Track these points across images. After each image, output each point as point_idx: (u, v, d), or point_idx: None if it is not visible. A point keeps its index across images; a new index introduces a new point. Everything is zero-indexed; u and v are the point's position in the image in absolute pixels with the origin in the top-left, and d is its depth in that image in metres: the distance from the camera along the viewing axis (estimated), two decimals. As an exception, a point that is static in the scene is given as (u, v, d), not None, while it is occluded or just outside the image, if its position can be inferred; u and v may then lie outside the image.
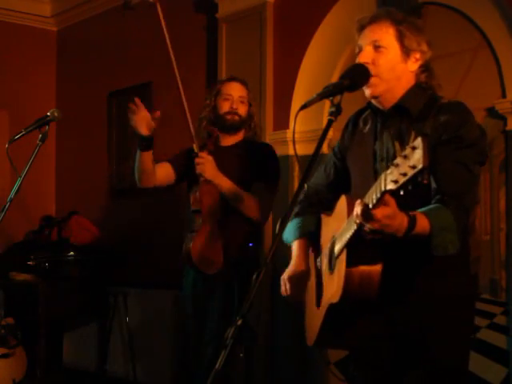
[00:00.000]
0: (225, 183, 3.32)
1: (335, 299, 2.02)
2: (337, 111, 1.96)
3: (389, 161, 2.14)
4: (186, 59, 5.19)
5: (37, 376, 4.78)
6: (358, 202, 1.80)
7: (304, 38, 4.37)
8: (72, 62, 6.21)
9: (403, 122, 2.16)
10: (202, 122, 3.64)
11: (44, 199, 6.18)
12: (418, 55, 2.18)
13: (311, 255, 2.39)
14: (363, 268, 1.97)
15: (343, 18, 4.22)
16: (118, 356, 5.21)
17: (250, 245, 3.36)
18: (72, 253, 4.96)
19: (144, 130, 3.32)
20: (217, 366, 1.68)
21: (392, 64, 2.15)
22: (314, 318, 2.25)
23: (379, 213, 1.77)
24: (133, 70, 5.59)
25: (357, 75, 2.08)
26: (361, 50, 2.18)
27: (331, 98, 2.00)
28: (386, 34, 2.16)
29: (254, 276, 1.77)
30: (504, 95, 3.53)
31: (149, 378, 4.98)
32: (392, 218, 1.79)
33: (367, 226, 1.82)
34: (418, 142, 1.57)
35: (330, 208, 2.27)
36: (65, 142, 6.18)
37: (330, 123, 1.96)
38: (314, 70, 4.34)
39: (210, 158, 3.35)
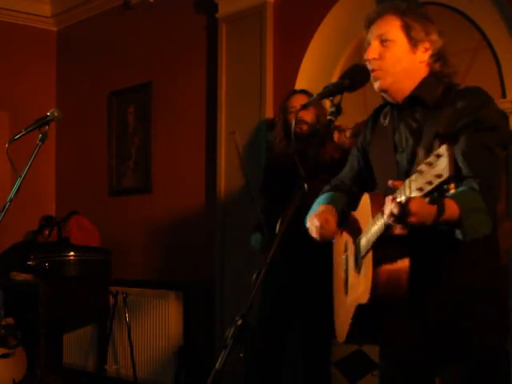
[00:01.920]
0: None
1: (364, 300, 1.99)
2: (337, 111, 1.96)
3: (407, 152, 2.13)
4: (186, 59, 5.20)
5: (37, 376, 4.77)
6: (390, 200, 1.74)
7: (304, 38, 4.37)
8: (72, 62, 6.21)
9: (417, 112, 2.14)
10: (276, 138, 3.73)
11: (44, 199, 6.18)
12: (427, 45, 2.15)
13: (337, 245, 2.35)
14: (391, 267, 1.93)
15: (343, 17, 4.22)
16: (118, 356, 5.21)
17: None
18: (72, 253, 4.96)
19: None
20: (217, 365, 1.68)
21: (399, 56, 2.14)
22: (344, 315, 2.22)
23: (414, 206, 1.71)
24: (133, 70, 5.59)
25: (357, 75, 2.08)
26: (369, 45, 2.17)
27: (331, 98, 2.01)
28: (392, 27, 2.14)
29: (254, 276, 1.77)
30: (504, 95, 3.54)
31: (149, 378, 4.98)
32: (423, 206, 1.74)
33: (401, 223, 1.77)
34: (443, 149, 1.55)
35: (353, 201, 2.26)
36: (65, 142, 6.18)
37: (330, 123, 1.97)
38: (314, 69, 4.34)
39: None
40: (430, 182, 1.57)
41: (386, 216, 1.78)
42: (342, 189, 2.42)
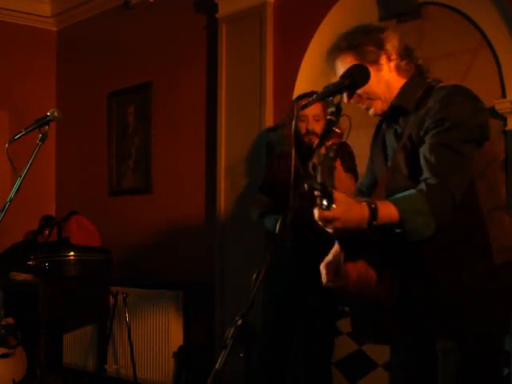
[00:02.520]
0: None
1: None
2: (337, 111, 1.96)
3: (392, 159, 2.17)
4: (186, 59, 5.20)
5: (37, 376, 4.77)
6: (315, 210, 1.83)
7: (304, 38, 4.37)
8: (72, 62, 6.21)
9: (400, 119, 2.17)
10: (280, 138, 3.71)
11: (44, 199, 6.18)
12: (384, 58, 2.16)
13: None
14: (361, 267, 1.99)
15: (343, 17, 4.22)
16: (118, 356, 5.21)
17: None
18: (72, 253, 4.95)
19: None
20: (217, 366, 1.68)
21: (372, 85, 2.14)
22: None
23: (336, 211, 1.78)
24: (133, 70, 5.59)
25: (357, 75, 2.08)
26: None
27: (331, 98, 2.01)
28: (349, 64, 2.12)
29: (254, 276, 1.77)
30: (504, 95, 3.54)
31: (149, 378, 4.98)
32: (348, 210, 1.80)
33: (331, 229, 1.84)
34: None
35: None
36: (65, 142, 6.18)
37: (330, 123, 1.97)
38: (314, 69, 4.34)
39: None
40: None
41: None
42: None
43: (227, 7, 4.69)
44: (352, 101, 2.11)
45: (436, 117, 2.01)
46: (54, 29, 6.31)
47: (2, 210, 2.87)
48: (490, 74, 3.59)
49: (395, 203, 1.89)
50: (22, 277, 5.06)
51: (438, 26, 3.72)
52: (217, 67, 4.77)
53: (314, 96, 2.03)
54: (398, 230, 1.92)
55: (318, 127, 3.47)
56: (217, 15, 4.76)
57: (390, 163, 2.18)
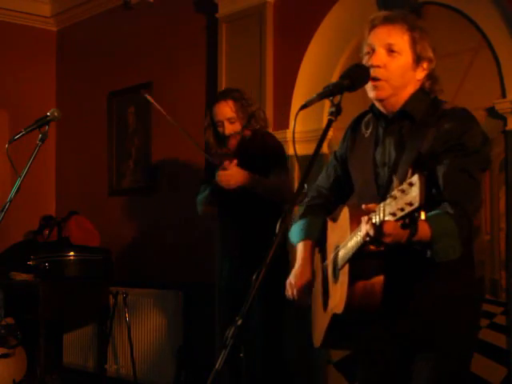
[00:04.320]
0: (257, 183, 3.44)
1: (338, 310, 2.04)
2: (337, 111, 1.96)
3: (390, 166, 2.16)
4: (185, 59, 5.20)
5: (37, 376, 4.78)
6: (365, 220, 1.81)
7: (304, 38, 4.37)
8: (72, 62, 6.21)
9: (404, 127, 2.17)
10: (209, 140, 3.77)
11: (44, 199, 6.18)
12: (425, 64, 2.18)
13: (317, 256, 2.40)
14: (366, 280, 1.99)
15: (343, 17, 4.22)
16: (118, 356, 5.21)
17: None
18: (72, 253, 4.96)
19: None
20: (217, 366, 1.68)
21: (402, 70, 2.15)
22: (320, 321, 2.27)
23: (388, 228, 1.78)
24: (133, 70, 5.59)
25: (357, 75, 2.07)
26: (373, 50, 2.16)
27: (331, 98, 2.01)
28: (401, 40, 2.15)
29: (254, 276, 1.77)
30: (504, 95, 3.53)
31: (149, 378, 4.98)
32: (396, 229, 1.80)
33: (376, 243, 1.84)
34: (415, 179, 1.60)
35: (332, 210, 2.33)
36: (65, 142, 6.18)
37: (329, 123, 1.96)
38: (314, 69, 4.34)
39: (234, 167, 3.44)
40: (401, 209, 1.64)
41: (361, 234, 1.85)
42: (317, 203, 2.46)
43: (227, 7, 4.69)
44: (376, 56, 2.13)
45: (456, 141, 2.04)
46: (54, 29, 6.31)
47: (2, 210, 2.87)
48: (489, 73, 3.59)
49: (429, 222, 1.89)
50: (22, 277, 5.06)
51: (438, 26, 3.72)
52: (217, 67, 4.77)
53: (315, 95, 2.02)
54: (420, 248, 1.94)
55: (236, 127, 3.55)
56: (217, 15, 4.76)
57: (386, 168, 2.17)
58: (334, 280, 2.16)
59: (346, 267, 2.02)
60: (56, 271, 4.87)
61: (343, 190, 2.41)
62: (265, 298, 3.15)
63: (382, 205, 1.72)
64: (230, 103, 3.54)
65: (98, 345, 5.30)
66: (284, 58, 4.48)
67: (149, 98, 3.95)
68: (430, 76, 2.20)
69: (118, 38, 5.75)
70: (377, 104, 2.23)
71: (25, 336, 4.84)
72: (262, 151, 3.56)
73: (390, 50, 2.14)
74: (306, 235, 2.41)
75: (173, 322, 4.92)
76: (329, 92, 2.01)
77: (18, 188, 2.89)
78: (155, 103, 3.85)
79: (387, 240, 1.81)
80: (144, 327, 5.05)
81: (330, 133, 3.90)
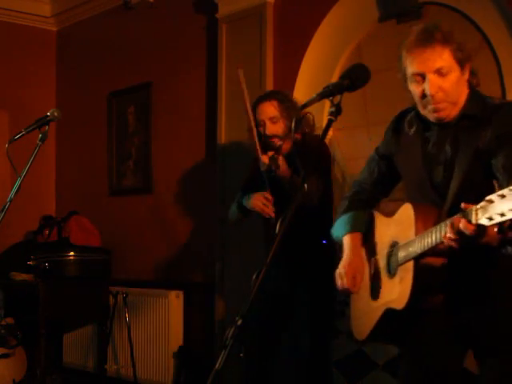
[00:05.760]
0: None
1: (398, 307, 2.05)
2: (337, 111, 1.97)
3: (446, 165, 2.18)
4: (186, 59, 5.20)
5: (37, 376, 4.77)
6: (459, 220, 1.81)
7: (304, 38, 4.37)
8: (72, 62, 6.21)
9: (460, 126, 2.19)
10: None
11: (44, 199, 6.18)
12: (469, 64, 2.23)
13: (363, 249, 2.41)
14: (431, 280, 2.01)
15: (343, 17, 4.22)
16: (118, 356, 5.21)
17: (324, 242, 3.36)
18: (72, 253, 4.96)
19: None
20: (217, 365, 1.68)
21: (456, 85, 2.19)
22: (367, 314, 2.27)
23: (493, 230, 1.79)
24: (133, 70, 5.59)
25: (357, 75, 2.08)
26: (423, 78, 2.17)
27: (331, 98, 2.01)
28: (447, 59, 2.17)
29: (254, 276, 1.77)
30: (504, 95, 3.53)
31: (149, 378, 4.98)
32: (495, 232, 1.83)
33: (466, 242, 1.84)
34: None
35: (375, 205, 2.39)
36: (65, 142, 6.18)
37: (329, 123, 1.97)
38: (314, 70, 4.34)
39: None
40: (501, 214, 1.65)
41: (448, 231, 1.85)
42: (361, 198, 2.48)
43: (227, 7, 4.69)
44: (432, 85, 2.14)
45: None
46: (54, 29, 6.31)
47: (2, 210, 2.88)
48: (490, 74, 3.59)
49: None
50: (22, 277, 5.06)
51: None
52: (217, 67, 4.77)
53: (315, 95, 2.03)
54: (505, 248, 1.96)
55: (277, 129, 3.46)
56: (217, 15, 4.76)
57: (441, 168, 2.19)
58: (388, 275, 2.17)
59: (411, 264, 2.03)
60: (56, 271, 4.87)
61: (386, 186, 2.47)
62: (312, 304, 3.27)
63: (474, 207, 1.75)
64: (275, 103, 3.49)
65: (98, 345, 5.30)
66: (284, 58, 4.48)
67: (241, 77, 3.62)
68: (472, 71, 2.24)
69: (118, 38, 5.75)
70: (433, 120, 2.24)
71: (25, 336, 4.83)
72: (316, 155, 3.52)
73: (441, 74, 2.16)
74: (353, 228, 2.42)
75: (173, 321, 4.91)
76: (329, 92, 2.01)
77: (18, 188, 2.89)
78: (244, 86, 3.58)
79: (483, 241, 1.82)
80: (144, 327, 5.05)
81: (330, 133, 3.90)
